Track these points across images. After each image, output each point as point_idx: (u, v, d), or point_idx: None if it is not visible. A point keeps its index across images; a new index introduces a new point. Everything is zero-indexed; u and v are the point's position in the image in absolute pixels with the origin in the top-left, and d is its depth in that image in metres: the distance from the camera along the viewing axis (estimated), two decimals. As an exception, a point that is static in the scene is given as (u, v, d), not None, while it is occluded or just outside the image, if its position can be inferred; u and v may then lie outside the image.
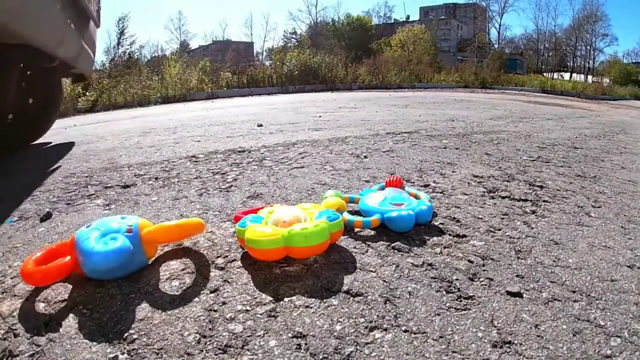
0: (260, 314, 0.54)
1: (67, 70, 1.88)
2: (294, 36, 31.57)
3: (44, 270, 0.58)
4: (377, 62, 11.06)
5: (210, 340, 0.49)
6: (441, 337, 0.49)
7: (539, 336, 0.48)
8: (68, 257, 0.60)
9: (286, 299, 0.57)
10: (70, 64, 1.69)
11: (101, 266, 0.58)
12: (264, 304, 0.56)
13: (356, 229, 0.78)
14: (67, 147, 2.01)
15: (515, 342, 0.47)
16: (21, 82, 1.83)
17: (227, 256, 0.70)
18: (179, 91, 6.82)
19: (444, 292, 0.58)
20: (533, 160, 1.47)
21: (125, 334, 0.50)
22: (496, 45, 29.45)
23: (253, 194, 1.03)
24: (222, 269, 0.65)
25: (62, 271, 0.59)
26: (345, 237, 0.74)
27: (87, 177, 1.28)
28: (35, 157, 1.80)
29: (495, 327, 0.50)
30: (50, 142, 2.14)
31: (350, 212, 0.82)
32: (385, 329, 0.50)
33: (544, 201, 0.97)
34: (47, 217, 0.92)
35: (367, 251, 0.70)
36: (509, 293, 0.57)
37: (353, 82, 9.35)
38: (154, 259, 0.67)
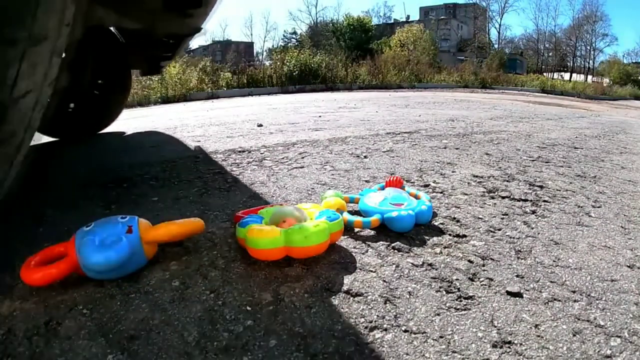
0: (260, 314, 0.53)
1: (159, 61, 1.81)
2: (294, 36, 31.59)
3: (44, 270, 0.58)
4: (377, 62, 11.05)
5: (210, 341, 0.49)
6: (441, 337, 0.49)
7: (539, 336, 0.48)
8: (68, 257, 0.60)
9: (286, 299, 0.57)
10: (179, 53, 1.60)
11: (101, 266, 0.58)
12: (264, 304, 0.56)
13: (356, 229, 0.78)
14: (67, 147, 2.01)
15: (515, 342, 0.47)
16: (96, 71, 1.78)
17: (227, 256, 0.69)
18: (179, 91, 6.81)
19: (444, 292, 0.58)
20: (533, 160, 1.47)
21: (125, 334, 0.50)
22: (496, 45, 29.49)
23: (253, 194, 1.03)
24: (222, 269, 0.65)
25: (62, 271, 0.59)
26: (345, 237, 0.74)
27: (86, 177, 1.28)
28: (31, 156, 1.80)
29: (495, 327, 0.50)
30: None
31: (350, 212, 0.82)
32: (385, 329, 0.50)
33: (544, 201, 0.97)
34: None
35: (367, 251, 0.70)
36: (509, 293, 0.57)
37: (353, 82, 9.34)
38: (153, 258, 0.67)
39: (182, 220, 0.69)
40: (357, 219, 0.76)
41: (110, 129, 2.28)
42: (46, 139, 2.07)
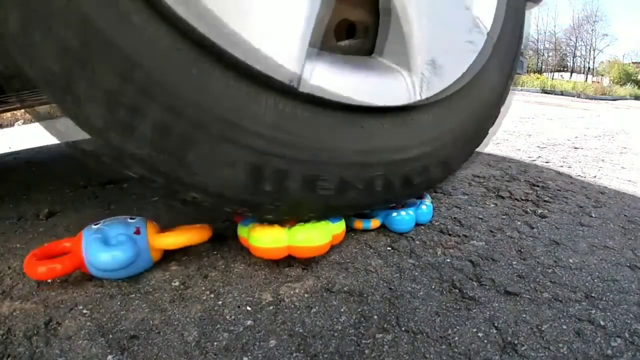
0: (260, 315, 0.53)
1: None
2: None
3: (49, 265, 0.58)
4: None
5: (210, 341, 0.49)
6: (442, 337, 0.49)
7: (540, 336, 0.48)
8: (74, 254, 0.60)
9: (286, 299, 0.56)
10: None
11: (107, 265, 0.58)
12: (264, 304, 0.56)
13: (356, 229, 0.78)
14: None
15: (517, 342, 0.47)
16: None
17: (226, 256, 0.69)
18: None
19: (445, 293, 0.58)
20: (533, 160, 1.47)
21: (125, 334, 0.50)
22: (496, 46, 29.42)
23: (253, 194, 1.03)
24: (222, 269, 0.65)
25: (66, 267, 0.59)
26: (346, 237, 0.74)
27: (86, 177, 1.28)
28: (31, 156, 1.80)
29: (496, 327, 0.50)
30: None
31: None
32: (386, 329, 0.50)
33: (545, 201, 0.97)
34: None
35: (367, 251, 0.70)
36: (510, 293, 0.57)
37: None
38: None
39: (190, 227, 0.67)
40: (357, 220, 0.76)
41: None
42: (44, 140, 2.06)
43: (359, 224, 0.76)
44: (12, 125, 4.21)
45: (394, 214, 0.76)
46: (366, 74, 0.62)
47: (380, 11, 0.64)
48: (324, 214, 0.65)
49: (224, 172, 0.53)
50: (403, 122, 0.65)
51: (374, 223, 0.76)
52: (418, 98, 0.64)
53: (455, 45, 0.69)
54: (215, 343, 0.48)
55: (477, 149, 0.86)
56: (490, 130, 0.86)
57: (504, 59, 0.79)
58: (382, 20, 0.65)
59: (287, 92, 0.53)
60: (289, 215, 0.62)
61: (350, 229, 0.77)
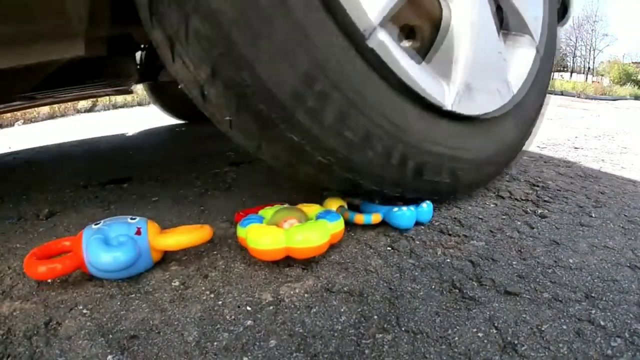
0: (261, 315, 0.53)
1: None
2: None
3: (49, 265, 0.58)
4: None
5: (210, 341, 0.49)
6: (442, 337, 0.49)
7: (540, 337, 0.48)
8: (74, 254, 0.60)
9: (286, 299, 0.57)
10: None
11: (108, 266, 0.58)
12: (264, 304, 0.56)
13: (357, 224, 0.78)
14: (66, 146, 2.01)
15: (517, 342, 0.47)
16: None
17: (226, 256, 0.69)
18: (179, 91, 6.79)
19: (445, 293, 0.58)
20: (534, 160, 1.47)
21: (125, 334, 0.50)
22: (496, 45, 29.46)
23: (253, 193, 1.03)
24: (222, 269, 0.65)
25: (67, 267, 0.59)
26: (346, 237, 0.74)
27: (86, 177, 1.28)
28: (31, 156, 1.80)
29: (496, 327, 0.50)
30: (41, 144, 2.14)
31: (351, 209, 0.81)
32: (386, 329, 0.50)
33: (545, 201, 0.97)
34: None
35: (367, 251, 0.70)
36: (510, 293, 0.57)
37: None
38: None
39: (191, 228, 0.67)
40: (358, 214, 0.76)
41: (113, 128, 2.27)
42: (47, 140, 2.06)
43: (360, 218, 0.76)
44: (12, 125, 4.21)
45: (395, 209, 0.76)
46: (418, 65, 0.70)
47: (441, 26, 0.73)
48: (338, 165, 0.67)
49: (283, 68, 0.57)
50: (431, 119, 0.73)
51: (375, 217, 0.76)
52: (449, 108, 0.73)
53: (488, 84, 0.80)
54: (215, 343, 0.48)
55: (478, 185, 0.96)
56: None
57: (522, 121, 0.95)
58: (440, 33, 0.72)
59: (355, 39, 0.60)
60: (311, 147, 0.64)
61: (350, 227, 0.77)
